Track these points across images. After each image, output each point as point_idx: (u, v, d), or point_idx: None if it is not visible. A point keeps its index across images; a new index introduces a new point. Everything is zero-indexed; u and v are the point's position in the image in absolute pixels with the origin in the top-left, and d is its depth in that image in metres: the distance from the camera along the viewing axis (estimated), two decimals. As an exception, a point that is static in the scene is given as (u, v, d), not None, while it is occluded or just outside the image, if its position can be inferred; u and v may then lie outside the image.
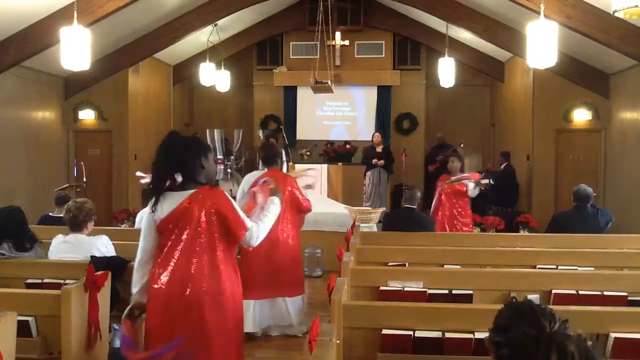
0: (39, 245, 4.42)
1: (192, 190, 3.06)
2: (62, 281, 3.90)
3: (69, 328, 3.36)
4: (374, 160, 10.88)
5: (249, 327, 4.92)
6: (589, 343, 1.72)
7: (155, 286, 3.02)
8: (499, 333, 1.81)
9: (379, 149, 11.19)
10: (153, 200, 3.08)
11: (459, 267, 4.71)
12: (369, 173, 10.94)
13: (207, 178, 3.19)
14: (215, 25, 10.71)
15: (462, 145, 11.75)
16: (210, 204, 3.03)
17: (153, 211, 3.08)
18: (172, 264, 3.02)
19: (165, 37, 10.00)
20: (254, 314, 5.14)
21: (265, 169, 5.45)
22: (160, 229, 3.06)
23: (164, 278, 3.01)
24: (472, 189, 7.11)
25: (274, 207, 3.35)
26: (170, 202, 3.05)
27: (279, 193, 3.44)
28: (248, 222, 3.13)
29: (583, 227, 5.73)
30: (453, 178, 7.18)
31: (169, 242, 3.04)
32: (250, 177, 5.42)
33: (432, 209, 7.34)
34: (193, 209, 3.02)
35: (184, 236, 3.03)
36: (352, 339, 3.09)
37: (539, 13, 5.86)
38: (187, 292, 2.98)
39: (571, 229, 5.72)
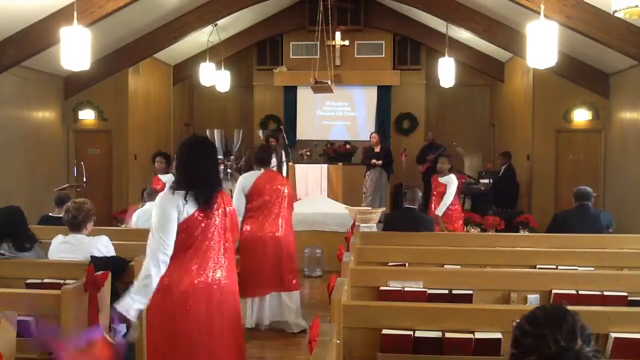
0: (38, 246, 4.42)
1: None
2: (62, 281, 3.90)
3: (69, 328, 3.36)
4: (373, 161, 10.89)
5: (248, 322, 5.21)
6: None
7: (196, 282, 3.11)
8: (530, 324, 1.74)
9: (377, 149, 11.19)
10: (184, 197, 3.09)
11: (459, 267, 4.70)
12: (368, 173, 10.95)
13: None
14: (215, 25, 10.71)
15: (454, 144, 11.75)
16: (226, 202, 3.25)
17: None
18: (207, 262, 3.17)
19: (165, 37, 10.00)
20: (252, 310, 5.32)
21: (262, 170, 5.58)
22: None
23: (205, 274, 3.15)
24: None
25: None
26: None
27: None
28: None
29: (584, 226, 5.74)
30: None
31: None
32: (247, 178, 5.52)
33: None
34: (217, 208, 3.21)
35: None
36: (352, 339, 3.08)
37: (539, 13, 5.86)
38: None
39: (573, 227, 5.73)
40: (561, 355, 1.64)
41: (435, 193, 7.70)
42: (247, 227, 5.38)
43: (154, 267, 2.99)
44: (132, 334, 3.06)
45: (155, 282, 3.00)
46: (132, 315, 2.94)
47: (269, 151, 5.82)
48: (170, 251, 3.03)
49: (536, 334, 1.69)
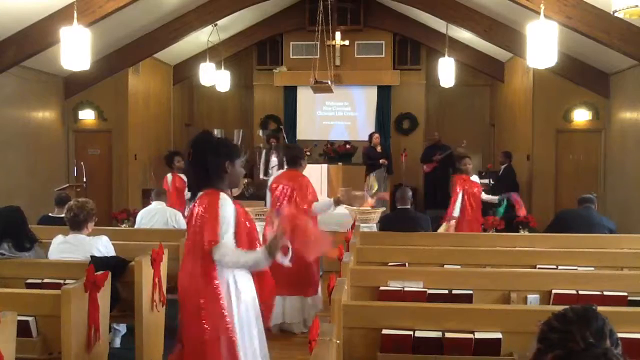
0: (38, 245, 4.42)
1: (201, 193, 3.14)
2: (62, 281, 3.90)
3: (69, 328, 3.36)
4: (381, 161, 10.87)
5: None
6: None
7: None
8: (559, 321, 1.74)
9: (379, 149, 11.19)
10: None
11: (459, 267, 4.70)
12: (373, 173, 10.91)
13: (230, 183, 3.21)
14: (215, 25, 10.71)
15: (463, 144, 11.73)
16: (200, 207, 3.06)
17: None
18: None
19: (165, 37, 10.00)
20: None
21: (285, 169, 5.68)
22: None
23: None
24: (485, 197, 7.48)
25: (257, 258, 2.99)
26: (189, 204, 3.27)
27: (278, 242, 2.96)
28: (226, 239, 2.98)
29: (587, 226, 5.81)
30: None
31: None
32: (272, 177, 5.76)
33: (455, 208, 7.40)
34: (192, 213, 3.12)
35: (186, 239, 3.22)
36: (352, 339, 3.08)
37: (539, 13, 5.86)
38: (178, 295, 3.15)
39: (576, 226, 5.79)
40: (589, 351, 1.63)
41: (469, 194, 7.30)
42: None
43: None
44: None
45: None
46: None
47: (294, 152, 5.78)
48: None
49: (564, 330, 1.69)
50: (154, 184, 10.42)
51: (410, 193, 6.07)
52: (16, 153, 8.99)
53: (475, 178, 7.63)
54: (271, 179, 5.79)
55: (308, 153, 11.65)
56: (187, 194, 3.24)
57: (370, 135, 11.54)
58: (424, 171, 11.85)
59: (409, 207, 5.97)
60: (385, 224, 6.18)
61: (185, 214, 3.39)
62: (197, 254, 3.04)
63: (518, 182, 10.72)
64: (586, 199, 6.19)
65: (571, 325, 1.69)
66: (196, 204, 3.10)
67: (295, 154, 5.68)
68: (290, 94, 13.39)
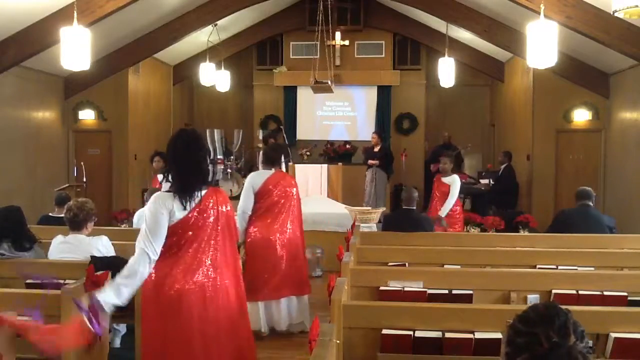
0: (38, 245, 4.42)
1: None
2: (62, 281, 3.90)
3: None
4: (369, 161, 10.92)
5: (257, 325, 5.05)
6: None
7: (191, 282, 3.07)
8: (523, 323, 1.76)
9: (376, 149, 11.21)
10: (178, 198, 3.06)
11: (459, 267, 4.71)
12: (366, 172, 10.97)
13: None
14: (215, 25, 10.71)
15: (469, 148, 11.75)
16: (220, 202, 3.17)
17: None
18: (202, 262, 3.11)
19: (165, 37, 10.00)
20: (264, 315, 5.23)
21: (273, 170, 5.47)
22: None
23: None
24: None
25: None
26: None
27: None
28: None
29: (586, 224, 5.76)
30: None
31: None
32: (258, 177, 5.41)
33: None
34: (207, 206, 3.12)
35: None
36: (352, 339, 3.09)
37: (539, 13, 5.86)
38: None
39: (575, 224, 5.75)
40: (554, 351, 1.65)
41: (438, 193, 7.66)
42: (255, 229, 5.25)
43: (141, 266, 2.97)
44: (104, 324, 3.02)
45: (139, 282, 2.99)
46: (108, 308, 2.94)
47: (280, 150, 5.75)
48: (158, 253, 3.00)
49: (529, 332, 1.71)
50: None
51: (416, 194, 6.05)
52: (16, 153, 8.99)
53: (449, 179, 7.53)
54: (261, 179, 5.41)
55: (308, 153, 11.67)
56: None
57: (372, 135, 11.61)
58: (431, 170, 11.87)
59: (414, 208, 5.96)
60: (388, 223, 6.17)
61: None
62: (231, 251, 3.19)
63: (518, 181, 10.74)
64: (582, 194, 5.92)
65: (535, 327, 1.71)
66: (213, 198, 3.11)
67: (275, 156, 5.58)
68: (290, 94, 13.39)
